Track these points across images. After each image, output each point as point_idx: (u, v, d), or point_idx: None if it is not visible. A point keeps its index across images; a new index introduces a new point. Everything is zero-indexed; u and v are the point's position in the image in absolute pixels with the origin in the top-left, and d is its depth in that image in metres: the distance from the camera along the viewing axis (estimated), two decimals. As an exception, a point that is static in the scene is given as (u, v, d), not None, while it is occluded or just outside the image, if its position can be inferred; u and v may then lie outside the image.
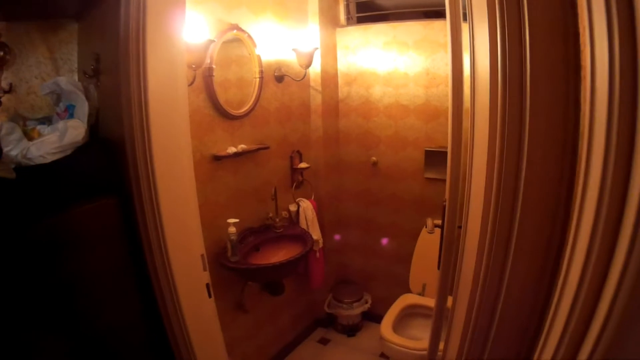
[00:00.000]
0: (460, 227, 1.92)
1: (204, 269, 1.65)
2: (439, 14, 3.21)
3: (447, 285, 2.00)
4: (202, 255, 1.64)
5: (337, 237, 3.01)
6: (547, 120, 0.97)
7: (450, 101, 1.68)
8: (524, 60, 0.96)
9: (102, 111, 1.56)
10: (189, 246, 1.59)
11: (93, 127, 1.56)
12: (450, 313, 1.72)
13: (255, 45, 2.61)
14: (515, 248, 1.05)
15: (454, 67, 1.63)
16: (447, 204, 1.87)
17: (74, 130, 1.42)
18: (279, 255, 2.78)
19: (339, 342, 3.59)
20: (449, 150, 1.81)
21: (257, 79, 2.67)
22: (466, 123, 1.82)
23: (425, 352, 2.67)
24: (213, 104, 2.39)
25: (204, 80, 2.33)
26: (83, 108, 1.50)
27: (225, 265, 2.43)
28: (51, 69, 1.65)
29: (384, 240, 3.53)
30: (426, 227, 2.10)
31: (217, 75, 2.37)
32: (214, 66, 2.33)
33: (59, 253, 1.34)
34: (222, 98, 2.41)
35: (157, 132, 1.40)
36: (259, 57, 2.65)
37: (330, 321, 3.74)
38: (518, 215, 1.03)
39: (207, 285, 1.68)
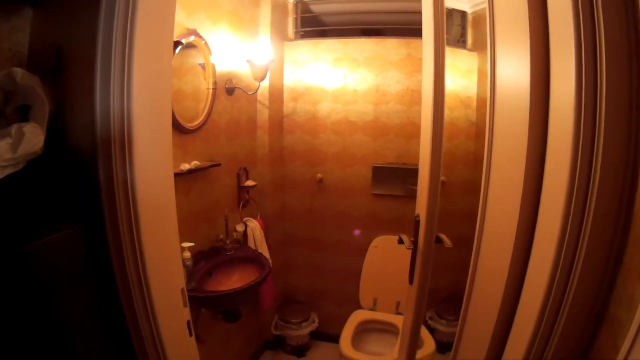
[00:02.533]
0: (439, 240, 1.86)
1: (185, 305, 1.40)
2: (379, 33, 3.18)
3: (424, 299, 1.92)
4: (182, 290, 1.38)
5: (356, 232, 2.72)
6: (615, 140, 0.94)
7: (430, 120, 1.61)
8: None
9: (60, 116, 1.25)
10: (170, 280, 1.33)
11: (48, 135, 1.24)
12: (460, 323, 1.63)
13: (211, 54, 2.37)
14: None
15: (437, 87, 1.58)
16: (423, 218, 1.80)
17: (32, 138, 1.10)
18: (232, 279, 2.53)
19: (291, 365, 3.38)
20: (426, 166, 1.74)
21: (211, 90, 2.42)
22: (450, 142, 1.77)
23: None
24: (166, 116, 2.11)
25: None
26: (43, 110, 1.19)
27: (180, 294, 2.14)
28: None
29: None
30: (403, 242, 1.99)
31: (173, 84, 2.10)
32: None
33: (12, 300, 1.04)
34: (176, 109, 2.14)
35: (140, 145, 1.15)
36: (213, 67, 2.41)
37: (278, 343, 3.51)
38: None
39: (188, 322, 1.42)
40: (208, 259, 2.51)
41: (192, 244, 2.18)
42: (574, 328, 1.11)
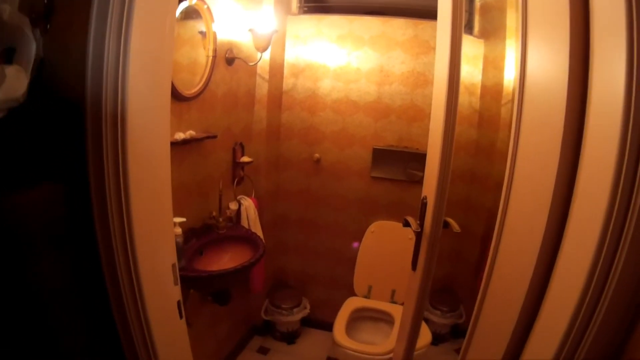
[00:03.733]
0: (445, 225, 1.74)
1: (175, 283, 1.24)
2: (383, 14, 3.00)
3: (427, 287, 1.83)
4: (173, 265, 1.22)
5: (355, 244, 2.52)
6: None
7: (444, 105, 1.54)
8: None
9: (48, 64, 1.07)
10: (160, 254, 1.17)
11: (33, 83, 1.06)
12: (474, 318, 1.53)
13: (213, 20, 2.18)
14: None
15: (452, 73, 1.50)
16: (431, 200, 1.69)
17: (15, 82, 0.92)
18: (224, 259, 2.38)
19: (280, 350, 3.24)
20: (438, 146, 1.63)
21: (210, 58, 2.24)
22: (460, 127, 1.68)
23: (385, 357, 2.44)
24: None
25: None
26: (28, 53, 1.00)
27: (169, 272, 1.98)
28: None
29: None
30: (410, 226, 1.86)
31: None
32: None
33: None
34: (174, 75, 1.96)
35: (135, 97, 0.98)
36: (214, 35, 2.23)
37: (267, 328, 3.37)
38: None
39: (179, 303, 1.26)
40: (199, 237, 2.35)
41: (184, 219, 2.01)
42: (612, 320, 0.98)
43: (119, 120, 0.96)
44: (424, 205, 1.78)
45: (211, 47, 2.22)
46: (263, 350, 3.21)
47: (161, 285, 1.17)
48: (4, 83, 0.90)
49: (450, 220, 1.82)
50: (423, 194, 1.83)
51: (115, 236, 1.02)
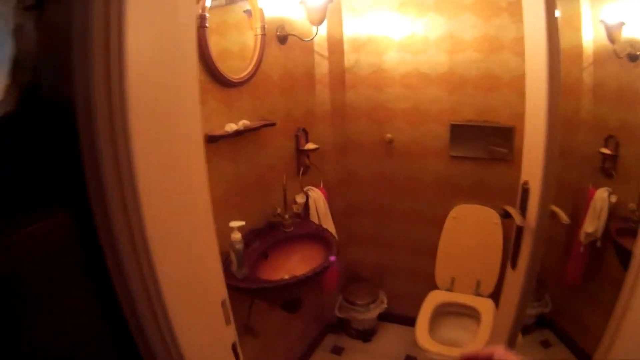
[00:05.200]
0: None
1: (228, 323, 0.93)
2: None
3: (530, 288, 1.55)
4: (223, 302, 0.91)
5: (332, 258, 2.22)
6: None
7: (545, 75, 1.31)
8: None
9: (44, 63, 0.78)
10: (202, 290, 0.85)
11: (29, 88, 0.77)
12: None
13: (258, -4, 1.86)
14: None
15: (551, 35, 1.26)
16: (535, 186, 1.43)
17: None
18: (292, 260, 2.08)
19: (355, 348, 2.94)
20: (541, 127, 1.38)
21: (259, 36, 1.91)
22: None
23: None
24: (205, 64, 1.62)
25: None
26: (3, 49, 0.72)
27: (230, 285, 1.70)
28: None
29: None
30: (509, 217, 1.53)
31: (212, 25, 1.61)
32: (207, 14, 1.57)
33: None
34: (217, 58, 1.65)
35: (139, 96, 0.66)
36: (261, 11, 1.89)
37: (341, 326, 3.07)
38: None
39: (234, 346, 0.95)
40: (263, 238, 2.06)
41: (243, 223, 1.72)
42: None
43: (118, 120, 0.64)
44: (525, 191, 1.49)
45: (258, 25, 1.89)
46: (337, 350, 2.92)
47: (208, 330, 0.87)
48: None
49: (556, 209, 1.54)
50: (523, 179, 1.53)
51: (133, 276, 0.72)
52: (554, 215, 1.54)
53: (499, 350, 0.71)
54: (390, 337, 3.03)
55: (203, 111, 1.63)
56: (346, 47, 2.75)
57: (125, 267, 0.71)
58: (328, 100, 2.60)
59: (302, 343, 2.76)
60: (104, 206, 0.67)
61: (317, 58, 2.55)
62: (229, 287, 1.67)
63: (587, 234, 2.27)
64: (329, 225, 2.45)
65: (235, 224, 1.70)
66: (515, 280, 1.60)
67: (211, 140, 1.66)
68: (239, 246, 1.71)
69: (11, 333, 0.69)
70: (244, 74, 1.83)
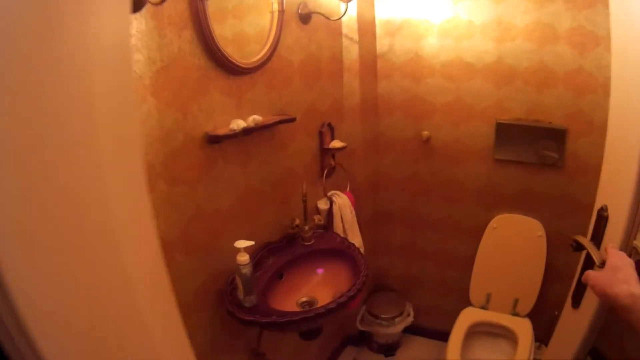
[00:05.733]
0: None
1: None
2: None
3: (593, 334, 1.27)
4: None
5: (319, 270, 1.83)
6: None
7: None
8: None
9: None
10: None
11: None
12: None
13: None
14: None
15: None
16: (615, 214, 1.16)
17: None
18: (312, 281, 1.75)
19: (376, 364, 2.64)
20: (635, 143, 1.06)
21: (276, 12, 1.56)
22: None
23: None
24: (206, 47, 1.28)
25: (190, 6, 1.22)
26: None
27: (235, 315, 1.39)
28: None
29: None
30: (581, 248, 1.24)
31: (233, 27, 1.28)
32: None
33: None
34: (220, 38, 1.31)
35: None
36: (278, -15, 1.54)
37: (362, 338, 2.76)
38: None
39: None
40: (279, 254, 1.74)
41: (252, 243, 1.40)
42: None
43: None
44: (602, 219, 1.21)
45: (275, 0, 1.54)
46: (357, 364, 2.63)
47: None
48: None
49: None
50: (600, 203, 1.26)
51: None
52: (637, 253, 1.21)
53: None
54: (415, 351, 2.75)
55: (203, 105, 1.30)
56: (378, 30, 2.37)
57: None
58: (358, 91, 2.24)
59: (322, 357, 2.47)
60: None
61: (345, 41, 2.19)
62: (234, 318, 1.37)
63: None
64: (356, 236, 2.11)
65: (241, 243, 1.38)
66: (578, 323, 1.30)
67: (212, 140, 1.33)
68: (246, 270, 1.38)
69: None
70: (256, 57, 1.49)
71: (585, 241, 1.18)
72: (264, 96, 1.60)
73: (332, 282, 1.69)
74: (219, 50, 1.29)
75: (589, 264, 1.21)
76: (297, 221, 1.80)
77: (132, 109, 0.63)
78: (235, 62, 1.36)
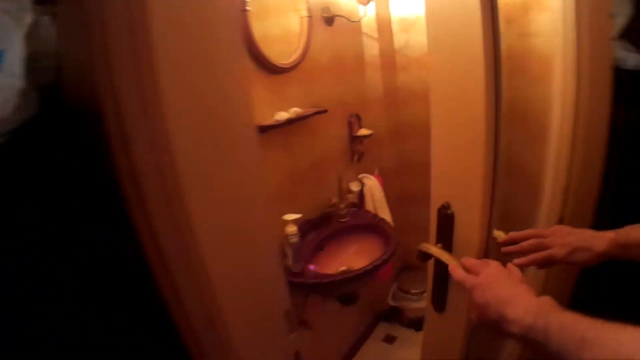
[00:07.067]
0: None
1: (292, 331, 0.82)
2: None
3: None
4: (286, 312, 0.80)
5: (311, 266, 1.76)
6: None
7: None
8: None
9: (65, 62, 0.67)
10: (262, 298, 0.75)
11: (49, 91, 0.66)
12: None
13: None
14: None
15: None
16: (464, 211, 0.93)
17: None
18: (349, 252, 1.96)
19: (407, 339, 2.77)
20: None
21: (305, 19, 1.78)
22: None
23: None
24: (250, 51, 1.52)
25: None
26: (14, 50, 0.61)
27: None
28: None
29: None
30: (429, 258, 1.04)
31: (253, 8, 1.50)
32: (249, -4, 1.46)
33: None
34: (262, 42, 1.53)
35: (175, 90, 0.55)
36: (305, -8, 1.77)
37: (394, 314, 2.93)
38: None
39: (297, 355, 0.84)
40: (319, 229, 1.95)
41: (299, 216, 1.62)
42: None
43: (154, 121, 0.53)
44: (447, 218, 0.97)
45: (304, 6, 1.76)
46: (389, 339, 2.77)
47: (269, 341, 0.77)
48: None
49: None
50: (440, 202, 1.05)
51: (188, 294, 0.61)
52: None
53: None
54: (443, 326, 2.88)
55: (250, 100, 1.53)
56: (395, 27, 2.56)
57: (175, 280, 0.61)
58: (380, 83, 2.45)
59: (355, 332, 2.65)
60: (148, 221, 0.57)
61: (365, 40, 2.39)
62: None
63: None
64: (385, 213, 2.31)
65: (290, 217, 1.60)
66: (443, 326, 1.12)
67: (261, 130, 1.56)
68: (295, 240, 1.60)
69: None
70: (292, 58, 1.72)
71: (434, 248, 0.98)
72: (299, 91, 1.82)
73: (367, 252, 1.89)
74: (262, 55, 1.52)
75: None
76: (334, 200, 2.02)
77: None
78: (275, 63, 1.59)
